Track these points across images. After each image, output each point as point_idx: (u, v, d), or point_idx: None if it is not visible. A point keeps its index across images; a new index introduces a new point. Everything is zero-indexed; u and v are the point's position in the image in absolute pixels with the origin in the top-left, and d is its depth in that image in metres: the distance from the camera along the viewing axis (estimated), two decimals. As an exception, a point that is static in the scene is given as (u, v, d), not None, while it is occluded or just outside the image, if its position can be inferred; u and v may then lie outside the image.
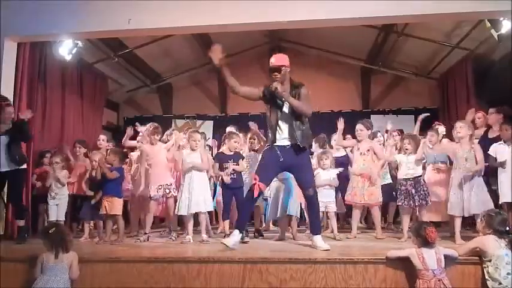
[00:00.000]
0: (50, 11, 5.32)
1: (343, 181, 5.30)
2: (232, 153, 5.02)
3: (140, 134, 5.56)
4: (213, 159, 5.32)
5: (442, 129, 5.51)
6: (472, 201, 4.31)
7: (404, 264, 3.48)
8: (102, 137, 6.18)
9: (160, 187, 5.00)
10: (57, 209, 5.20)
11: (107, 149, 5.83)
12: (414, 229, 3.58)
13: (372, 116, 8.69)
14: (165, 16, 5.20)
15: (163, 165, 5.14)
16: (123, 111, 9.81)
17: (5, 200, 5.08)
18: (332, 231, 5.06)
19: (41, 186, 5.55)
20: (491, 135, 5.26)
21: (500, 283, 3.27)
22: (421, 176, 4.78)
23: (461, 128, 4.56)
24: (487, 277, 3.36)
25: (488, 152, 4.74)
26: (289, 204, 4.79)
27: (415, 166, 4.74)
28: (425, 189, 4.70)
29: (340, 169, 5.22)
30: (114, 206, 4.84)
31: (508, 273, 3.27)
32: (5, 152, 4.79)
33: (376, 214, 5.12)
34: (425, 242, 3.40)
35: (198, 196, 4.78)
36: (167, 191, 5.02)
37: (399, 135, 5.88)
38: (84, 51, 6.80)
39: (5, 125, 4.86)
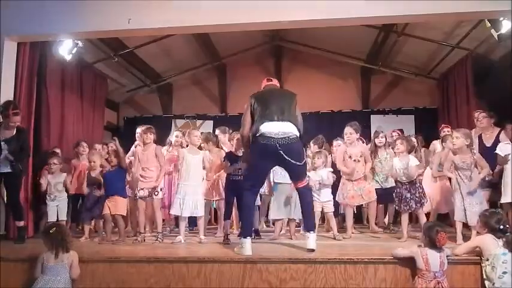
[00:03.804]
0: (50, 11, 5.31)
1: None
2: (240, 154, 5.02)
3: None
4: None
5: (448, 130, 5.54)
6: (474, 210, 4.20)
7: (404, 264, 3.49)
8: (98, 146, 6.13)
9: (143, 189, 4.96)
10: (57, 210, 5.21)
11: (108, 150, 5.82)
12: (426, 228, 3.56)
13: (371, 116, 8.72)
14: (165, 16, 5.19)
15: (151, 168, 5.04)
16: (123, 111, 9.80)
17: (5, 201, 5.08)
18: (329, 230, 5.10)
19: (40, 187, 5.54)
20: (486, 141, 5.29)
21: (494, 283, 3.29)
22: (415, 179, 4.73)
23: (457, 139, 4.32)
24: (484, 277, 3.38)
25: (496, 151, 4.76)
26: (292, 206, 4.84)
27: (410, 169, 4.68)
28: (420, 191, 4.67)
29: (330, 169, 5.23)
30: (118, 206, 4.85)
31: (503, 272, 3.28)
32: (6, 155, 4.79)
33: (373, 210, 5.17)
34: (433, 244, 3.40)
35: (192, 200, 4.80)
36: (149, 193, 4.96)
37: (399, 135, 5.91)
38: (84, 51, 6.79)
39: (9, 131, 4.86)
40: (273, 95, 4.14)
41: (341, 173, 5.24)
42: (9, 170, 4.84)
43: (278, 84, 4.46)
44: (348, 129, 5.21)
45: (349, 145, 5.22)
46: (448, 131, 5.64)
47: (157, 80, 9.39)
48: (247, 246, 3.80)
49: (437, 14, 4.96)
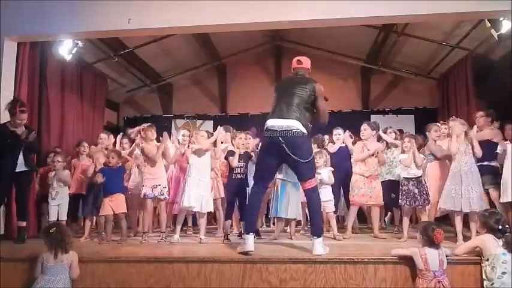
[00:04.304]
0: (50, 11, 5.32)
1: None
2: (241, 152, 4.98)
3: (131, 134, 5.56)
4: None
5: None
6: (471, 196, 4.27)
7: (404, 264, 3.50)
8: (103, 135, 6.16)
9: (155, 186, 4.87)
10: (58, 209, 5.21)
11: (107, 148, 5.82)
12: (422, 228, 3.57)
13: (371, 115, 8.71)
14: (165, 16, 5.20)
15: (159, 164, 4.99)
16: (123, 111, 9.82)
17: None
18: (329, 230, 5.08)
19: (44, 185, 5.51)
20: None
21: (493, 283, 3.29)
22: (421, 176, 4.81)
23: (454, 126, 4.50)
24: (484, 277, 3.38)
25: (497, 150, 4.80)
26: (292, 206, 4.84)
27: (418, 166, 4.77)
28: (426, 188, 4.75)
29: (331, 168, 5.22)
30: (119, 203, 4.86)
31: (503, 272, 3.28)
32: (19, 155, 4.81)
33: (376, 213, 5.17)
34: (431, 242, 3.41)
35: (199, 194, 4.76)
36: (161, 192, 4.88)
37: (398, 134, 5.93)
38: (84, 51, 6.80)
39: (18, 129, 4.85)
40: (289, 87, 3.99)
41: (353, 170, 5.24)
42: (25, 169, 4.86)
43: (308, 66, 4.20)
44: (363, 126, 5.25)
45: (366, 141, 5.22)
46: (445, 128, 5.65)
47: (157, 80, 9.40)
48: (250, 242, 3.77)
49: (437, 14, 4.97)
